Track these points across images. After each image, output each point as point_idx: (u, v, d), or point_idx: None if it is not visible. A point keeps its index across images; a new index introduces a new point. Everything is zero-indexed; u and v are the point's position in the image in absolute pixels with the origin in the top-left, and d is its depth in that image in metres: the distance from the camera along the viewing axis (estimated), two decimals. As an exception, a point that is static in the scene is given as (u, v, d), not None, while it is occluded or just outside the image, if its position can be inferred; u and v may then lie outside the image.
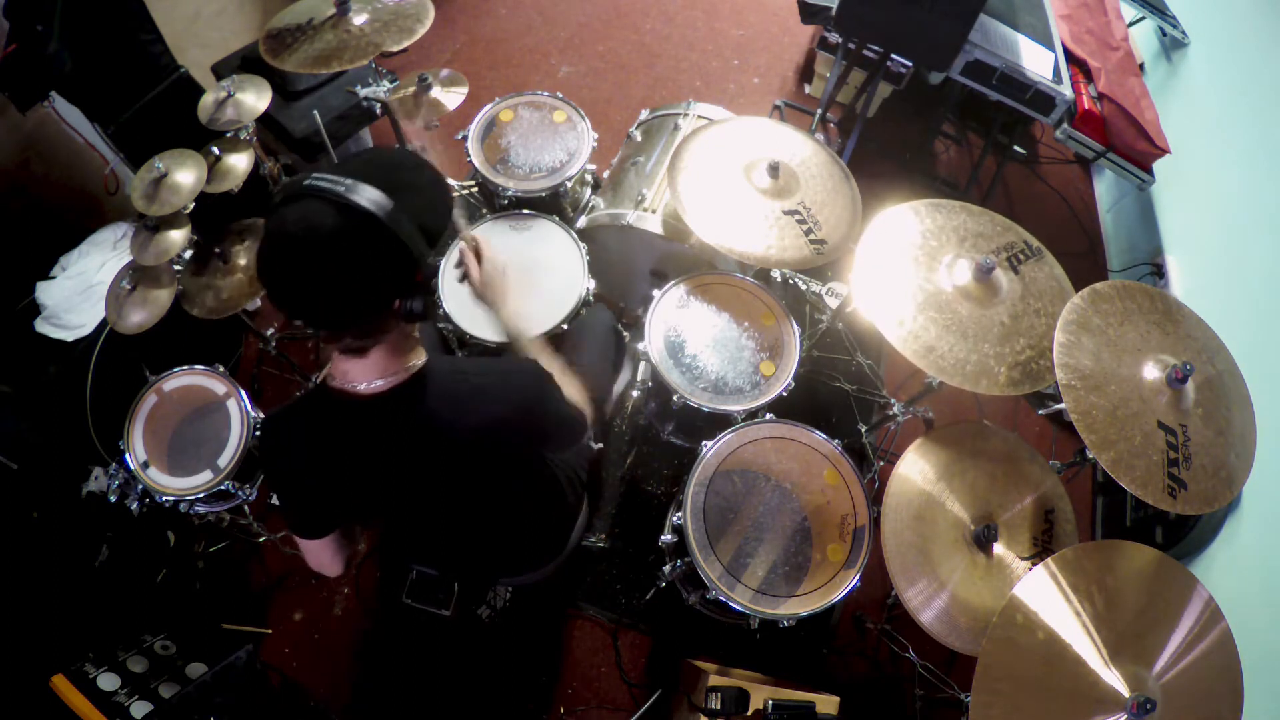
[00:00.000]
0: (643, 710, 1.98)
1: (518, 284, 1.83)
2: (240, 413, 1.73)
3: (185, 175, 1.80)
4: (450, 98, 2.02)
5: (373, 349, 0.98)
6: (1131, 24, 2.66)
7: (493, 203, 2.08)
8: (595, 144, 2.08)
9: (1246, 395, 1.52)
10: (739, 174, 1.80)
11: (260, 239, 0.92)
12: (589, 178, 2.23)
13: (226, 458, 1.69)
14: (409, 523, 1.33)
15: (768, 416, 1.70)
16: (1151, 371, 1.44)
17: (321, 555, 1.23)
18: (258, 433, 1.70)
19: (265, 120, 2.43)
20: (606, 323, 1.84)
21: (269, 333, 2.17)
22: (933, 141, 3.04)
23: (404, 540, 1.55)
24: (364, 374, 1.00)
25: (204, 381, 1.77)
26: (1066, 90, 2.20)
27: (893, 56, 2.54)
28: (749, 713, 1.57)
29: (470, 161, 2.03)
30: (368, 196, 0.87)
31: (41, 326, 1.98)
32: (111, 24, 2.05)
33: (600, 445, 1.75)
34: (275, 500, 1.88)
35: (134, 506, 1.72)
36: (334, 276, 0.88)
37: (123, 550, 1.92)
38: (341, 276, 0.88)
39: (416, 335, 1.06)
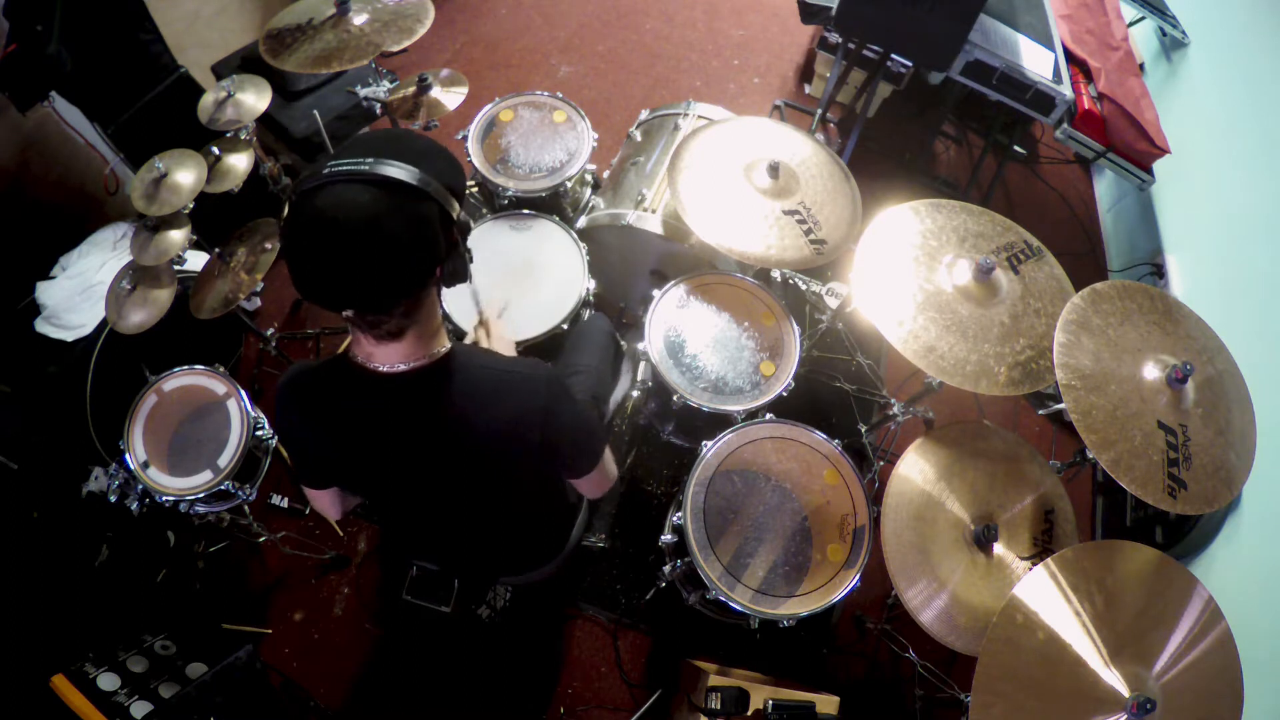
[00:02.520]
0: (643, 710, 1.98)
1: (518, 284, 1.86)
2: (240, 413, 1.73)
3: (185, 175, 1.80)
4: (450, 98, 2.03)
5: (408, 331, 0.98)
6: (1131, 24, 2.66)
7: (493, 203, 2.08)
8: (595, 144, 2.08)
9: (1246, 395, 1.51)
10: (739, 174, 1.80)
11: (290, 237, 0.89)
12: (589, 178, 2.22)
13: (226, 458, 1.69)
14: (407, 510, 1.33)
15: (768, 416, 1.70)
16: (1151, 371, 1.44)
17: (320, 500, 1.27)
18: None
19: (265, 120, 2.43)
20: (605, 329, 1.84)
21: (269, 333, 2.17)
22: (933, 141, 3.04)
23: (403, 532, 1.55)
24: (388, 358, 1.01)
25: (204, 381, 1.77)
26: (1066, 90, 2.20)
27: (893, 56, 2.54)
28: (749, 713, 1.57)
29: (470, 161, 2.03)
30: (393, 167, 0.87)
31: (41, 326, 1.98)
32: (111, 24, 2.05)
33: None
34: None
35: (134, 506, 1.72)
36: (382, 251, 0.87)
37: (123, 550, 1.92)
38: (389, 250, 0.88)
39: (441, 320, 1.07)
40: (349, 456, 1.12)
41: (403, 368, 1.01)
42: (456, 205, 0.96)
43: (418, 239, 0.90)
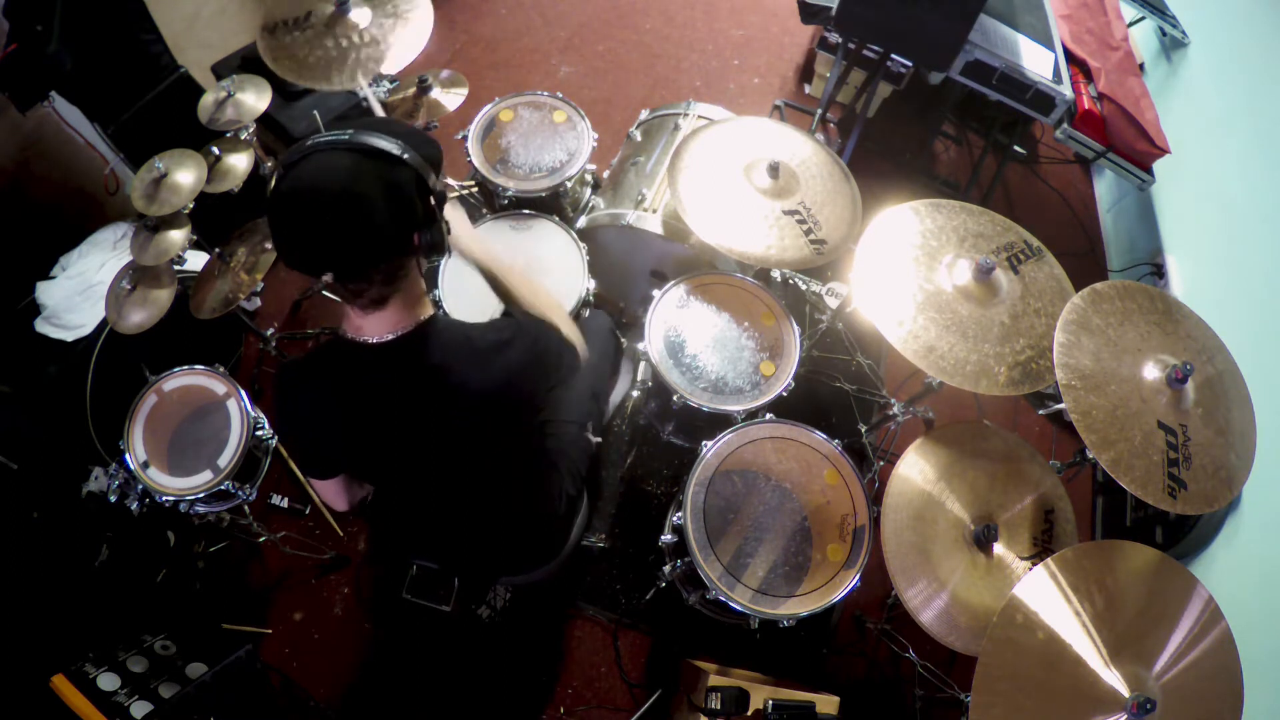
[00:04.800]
0: (643, 710, 1.98)
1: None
2: (240, 413, 1.73)
3: (185, 175, 1.80)
4: (450, 98, 2.03)
5: (391, 299, 1.02)
6: (1131, 24, 2.66)
7: (493, 203, 2.08)
8: (595, 144, 2.08)
9: (1246, 395, 1.51)
10: (739, 174, 1.80)
11: (272, 204, 0.94)
12: (589, 178, 2.22)
13: (226, 458, 1.69)
14: (408, 490, 1.33)
15: (768, 416, 1.70)
16: (1151, 371, 1.44)
17: (326, 492, 1.29)
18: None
19: (265, 120, 2.42)
20: (606, 327, 1.84)
21: (269, 333, 2.17)
22: (933, 141, 3.04)
23: (404, 521, 1.55)
24: (377, 328, 1.04)
25: (204, 381, 1.77)
26: (1066, 90, 2.20)
27: (893, 56, 2.54)
28: (749, 713, 1.57)
29: (470, 161, 2.02)
30: (372, 136, 0.93)
31: (41, 326, 1.98)
32: (111, 24, 2.05)
33: (599, 439, 1.76)
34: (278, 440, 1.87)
35: (134, 506, 1.72)
36: (358, 214, 0.91)
37: (123, 550, 1.91)
38: (365, 213, 0.92)
39: (425, 288, 1.10)
40: (352, 433, 1.13)
41: (391, 336, 1.04)
42: (433, 176, 1.00)
43: (393, 203, 0.94)
